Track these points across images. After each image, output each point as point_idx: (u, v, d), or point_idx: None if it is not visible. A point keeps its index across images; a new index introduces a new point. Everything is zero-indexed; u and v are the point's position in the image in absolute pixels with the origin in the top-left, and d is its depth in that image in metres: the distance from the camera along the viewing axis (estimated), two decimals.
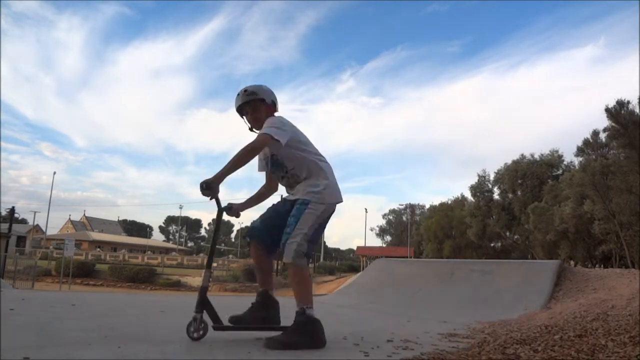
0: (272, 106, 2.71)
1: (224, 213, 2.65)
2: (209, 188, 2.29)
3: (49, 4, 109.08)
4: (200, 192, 2.31)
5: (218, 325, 2.38)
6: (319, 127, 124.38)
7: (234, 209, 2.79)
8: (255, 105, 2.65)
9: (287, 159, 2.59)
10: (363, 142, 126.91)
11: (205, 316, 2.35)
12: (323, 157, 2.71)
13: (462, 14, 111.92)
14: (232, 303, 4.98)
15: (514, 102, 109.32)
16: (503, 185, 37.46)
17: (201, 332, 2.33)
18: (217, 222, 2.60)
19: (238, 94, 2.68)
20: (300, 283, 2.45)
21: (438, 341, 2.67)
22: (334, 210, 2.63)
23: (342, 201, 2.66)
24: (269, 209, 2.75)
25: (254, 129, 2.70)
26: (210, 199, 2.37)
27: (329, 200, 2.57)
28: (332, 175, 2.67)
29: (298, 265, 2.42)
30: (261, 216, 2.73)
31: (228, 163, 2.35)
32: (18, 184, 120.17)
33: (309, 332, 2.35)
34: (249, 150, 2.39)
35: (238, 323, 2.56)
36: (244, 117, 2.72)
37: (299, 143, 2.60)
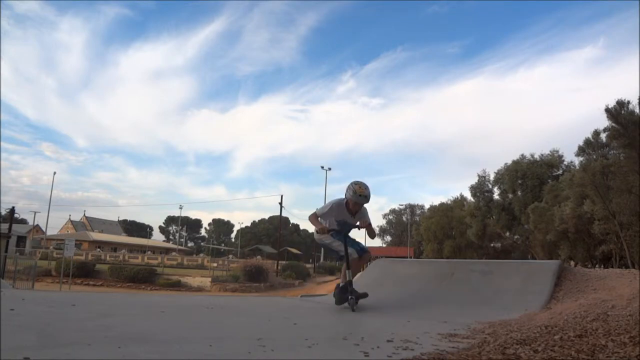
0: None
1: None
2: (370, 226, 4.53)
3: (50, 6, 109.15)
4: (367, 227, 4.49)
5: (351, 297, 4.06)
6: (320, 127, 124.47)
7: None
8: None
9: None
10: (363, 142, 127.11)
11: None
12: None
13: (462, 15, 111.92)
14: (229, 303, 4.99)
15: (514, 102, 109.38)
16: (503, 186, 37.46)
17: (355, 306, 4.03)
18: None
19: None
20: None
21: (438, 341, 2.67)
22: None
23: None
24: (347, 241, 4.40)
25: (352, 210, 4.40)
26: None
27: None
28: None
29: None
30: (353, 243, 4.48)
31: (373, 233, 4.81)
32: (18, 184, 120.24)
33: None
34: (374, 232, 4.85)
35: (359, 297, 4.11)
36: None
37: None
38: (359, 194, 4.28)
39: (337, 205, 4.44)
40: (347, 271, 4.24)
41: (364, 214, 4.53)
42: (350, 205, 4.38)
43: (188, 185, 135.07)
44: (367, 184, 4.36)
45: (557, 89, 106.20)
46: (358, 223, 4.45)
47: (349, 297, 4.07)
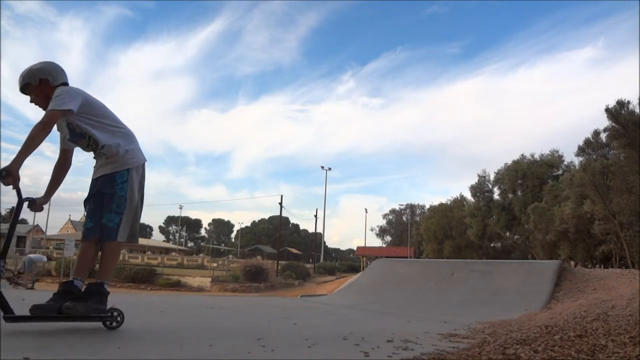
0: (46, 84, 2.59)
1: (29, 208, 2.53)
2: (10, 174, 2.13)
3: (50, 6, 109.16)
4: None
5: (9, 316, 2.20)
6: (320, 127, 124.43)
7: (38, 204, 2.58)
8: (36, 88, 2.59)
9: (89, 129, 2.56)
10: (363, 142, 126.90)
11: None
12: (122, 124, 2.73)
13: (462, 15, 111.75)
14: (229, 303, 4.99)
15: (513, 102, 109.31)
16: (503, 186, 37.45)
17: None
18: (16, 213, 2.39)
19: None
20: (116, 260, 2.84)
21: (438, 341, 2.67)
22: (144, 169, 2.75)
23: (146, 160, 2.76)
24: (90, 202, 2.65)
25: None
26: (13, 188, 2.21)
27: (140, 162, 2.72)
28: (135, 139, 2.77)
29: (122, 243, 2.64)
30: (88, 215, 2.63)
31: (23, 146, 2.23)
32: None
33: (106, 302, 2.58)
34: (40, 128, 2.31)
35: (39, 313, 2.33)
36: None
37: (94, 110, 2.58)
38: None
39: None
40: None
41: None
42: None
43: (188, 185, 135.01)
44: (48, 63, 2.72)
45: (557, 89, 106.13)
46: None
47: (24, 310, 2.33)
